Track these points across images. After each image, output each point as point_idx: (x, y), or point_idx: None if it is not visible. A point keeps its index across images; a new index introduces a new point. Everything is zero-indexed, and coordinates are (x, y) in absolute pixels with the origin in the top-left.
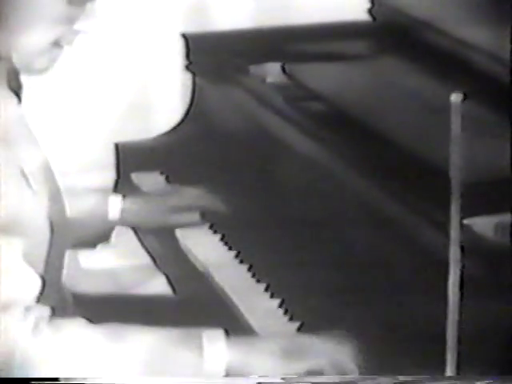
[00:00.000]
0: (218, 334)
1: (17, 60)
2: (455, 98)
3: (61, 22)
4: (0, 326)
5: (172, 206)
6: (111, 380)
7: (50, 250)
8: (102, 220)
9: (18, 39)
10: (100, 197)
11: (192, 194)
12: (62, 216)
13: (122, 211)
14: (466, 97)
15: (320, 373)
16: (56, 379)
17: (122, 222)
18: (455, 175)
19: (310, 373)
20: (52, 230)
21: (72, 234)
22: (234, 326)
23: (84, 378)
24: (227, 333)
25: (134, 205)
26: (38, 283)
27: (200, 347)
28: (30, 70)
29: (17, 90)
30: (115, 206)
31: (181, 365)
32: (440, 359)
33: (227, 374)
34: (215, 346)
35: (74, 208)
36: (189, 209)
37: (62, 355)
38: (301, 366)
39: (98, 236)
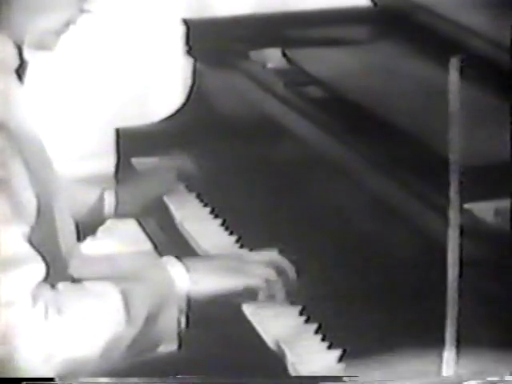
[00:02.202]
0: (174, 259)
1: (30, 39)
2: (454, 59)
3: (75, 2)
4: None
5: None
6: (110, 380)
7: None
8: (98, 215)
9: (34, 19)
10: (97, 191)
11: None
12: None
13: (117, 204)
14: (463, 61)
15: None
16: (51, 379)
17: (116, 215)
18: (455, 160)
19: (247, 289)
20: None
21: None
22: None
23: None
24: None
25: (127, 195)
26: (43, 269)
27: (166, 271)
28: (41, 48)
29: (20, 73)
30: (110, 200)
31: (156, 287)
32: (439, 343)
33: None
34: (176, 268)
35: (71, 202)
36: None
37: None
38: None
39: (87, 230)
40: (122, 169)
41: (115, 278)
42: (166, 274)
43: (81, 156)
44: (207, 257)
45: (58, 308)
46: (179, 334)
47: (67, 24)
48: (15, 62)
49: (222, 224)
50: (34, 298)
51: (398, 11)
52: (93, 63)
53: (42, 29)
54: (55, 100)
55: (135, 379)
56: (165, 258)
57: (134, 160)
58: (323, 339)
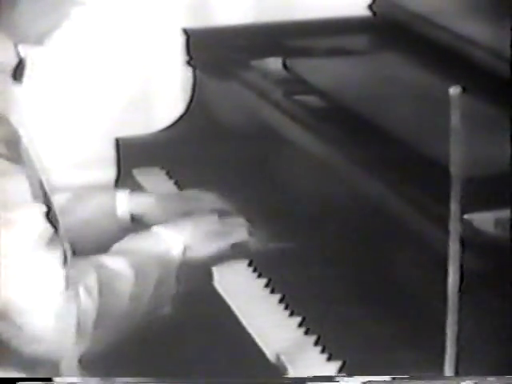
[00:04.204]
0: (164, 228)
1: (29, 37)
2: (454, 90)
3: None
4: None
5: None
6: (108, 379)
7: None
8: (111, 218)
9: (35, 18)
10: (105, 194)
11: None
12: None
13: (133, 208)
14: (464, 90)
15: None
16: (49, 379)
17: (135, 219)
18: (455, 170)
19: (235, 245)
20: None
21: (82, 238)
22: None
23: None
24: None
25: (145, 203)
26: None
27: (162, 240)
28: (36, 45)
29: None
30: (123, 201)
31: (156, 256)
32: (439, 354)
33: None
34: (170, 235)
35: (80, 210)
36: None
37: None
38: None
39: (108, 236)
40: (123, 179)
41: (125, 253)
42: (162, 242)
43: (81, 166)
44: (191, 221)
45: (86, 286)
46: (174, 298)
47: (65, 19)
48: (13, 62)
49: None
50: (66, 279)
51: (398, 21)
52: (92, 72)
53: (43, 27)
54: (55, 110)
55: (133, 379)
56: (155, 228)
57: (135, 171)
58: (323, 351)
